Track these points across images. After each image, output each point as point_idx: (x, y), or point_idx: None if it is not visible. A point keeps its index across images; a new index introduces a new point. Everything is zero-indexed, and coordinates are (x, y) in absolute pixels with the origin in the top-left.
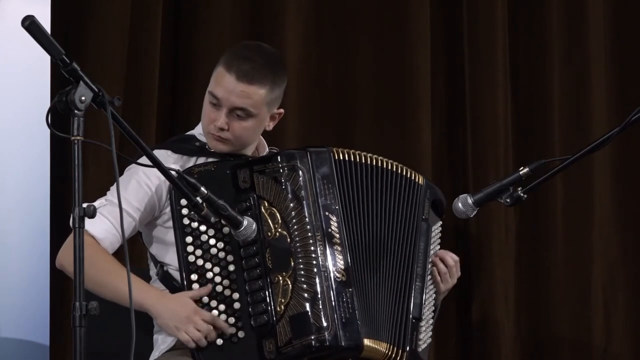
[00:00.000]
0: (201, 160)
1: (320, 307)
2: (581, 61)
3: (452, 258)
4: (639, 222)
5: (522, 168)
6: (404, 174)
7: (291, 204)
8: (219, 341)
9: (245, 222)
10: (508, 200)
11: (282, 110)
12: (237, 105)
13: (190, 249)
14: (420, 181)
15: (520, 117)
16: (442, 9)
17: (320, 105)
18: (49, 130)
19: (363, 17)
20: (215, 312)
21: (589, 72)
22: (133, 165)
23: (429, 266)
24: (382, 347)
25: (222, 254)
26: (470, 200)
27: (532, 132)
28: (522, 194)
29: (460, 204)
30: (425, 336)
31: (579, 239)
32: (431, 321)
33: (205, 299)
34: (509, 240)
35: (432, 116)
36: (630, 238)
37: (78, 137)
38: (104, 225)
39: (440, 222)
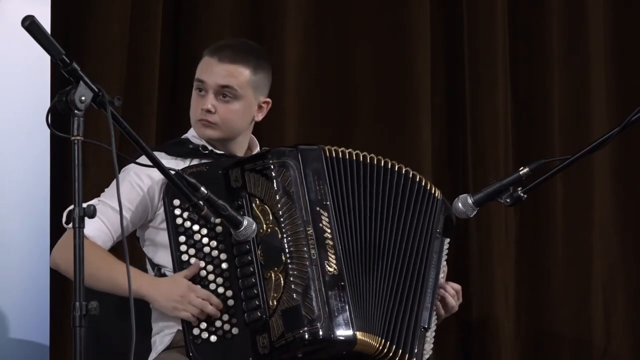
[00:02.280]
0: (195, 162)
1: (312, 300)
2: (581, 61)
3: (453, 288)
4: (639, 222)
5: (522, 168)
6: (419, 181)
7: (282, 200)
8: (213, 338)
9: (245, 222)
10: (508, 200)
11: (269, 100)
12: (222, 84)
13: (183, 248)
14: (437, 195)
15: (520, 117)
16: (442, 9)
17: (320, 105)
18: (49, 130)
19: (363, 17)
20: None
21: (589, 72)
22: (126, 167)
23: (441, 279)
24: (375, 341)
25: (215, 252)
26: (470, 200)
27: (532, 132)
28: (522, 194)
29: (460, 204)
30: (428, 347)
31: (579, 239)
32: (434, 333)
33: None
34: (509, 240)
35: (432, 116)
36: (630, 238)
37: (78, 137)
38: (95, 224)
39: (448, 240)
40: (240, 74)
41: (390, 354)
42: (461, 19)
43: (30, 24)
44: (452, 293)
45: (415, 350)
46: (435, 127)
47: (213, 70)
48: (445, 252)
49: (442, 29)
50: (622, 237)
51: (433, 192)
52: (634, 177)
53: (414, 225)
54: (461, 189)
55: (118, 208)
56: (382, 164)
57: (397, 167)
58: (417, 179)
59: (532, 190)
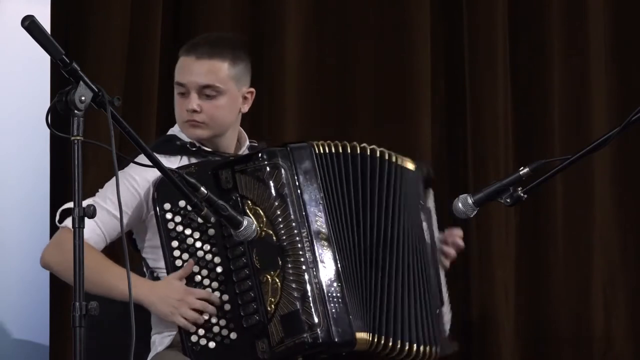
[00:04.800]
0: (184, 159)
1: (311, 304)
2: (581, 60)
3: (459, 237)
4: (639, 223)
5: (522, 168)
6: (389, 159)
7: (275, 203)
8: (212, 344)
9: (245, 222)
10: (508, 200)
11: (252, 90)
12: (203, 83)
13: (176, 253)
14: (410, 166)
15: (520, 117)
16: (442, 9)
17: (320, 105)
18: (49, 130)
19: (363, 17)
20: (206, 315)
21: (589, 71)
22: (122, 170)
23: (438, 250)
24: (368, 336)
25: (209, 256)
26: (470, 200)
27: (532, 132)
28: (522, 194)
29: (460, 204)
30: (448, 317)
31: (579, 239)
32: (447, 298)
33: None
34: (509, 240)
35: (432, 116)
36: (630, 238)
37: (78, 137)
38: (89, 225)
39: (432, 193)
40: (220, 69)
41: (381, 346)
42: (461, 18)
43: (30, 24)
44: (461, 245)
45: (440, 336)
46: (435, 126)
47: (192, 70)
48: (432, 208)
49: (442, 29)
50: (622, 237)
51: (401, 163)
52: (634, 177)
53: (397, 206)
54: (461, 189)
55: (112, 210)
56: (368, 152)
57: (377, 151)
58: (386, 157)
59: (532, 190)
